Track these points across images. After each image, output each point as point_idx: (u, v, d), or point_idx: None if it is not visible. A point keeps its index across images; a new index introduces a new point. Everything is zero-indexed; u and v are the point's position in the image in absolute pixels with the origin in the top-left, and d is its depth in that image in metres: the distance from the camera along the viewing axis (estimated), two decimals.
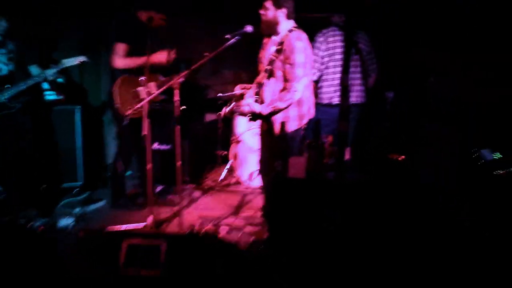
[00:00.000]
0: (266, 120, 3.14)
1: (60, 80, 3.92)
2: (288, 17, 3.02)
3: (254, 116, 3.13)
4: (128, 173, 4.23)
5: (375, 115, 3.62)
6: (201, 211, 4.04)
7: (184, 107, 4.17)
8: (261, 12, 3.04)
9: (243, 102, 3.18)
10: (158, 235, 2.88)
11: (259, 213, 3.76)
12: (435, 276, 2.17)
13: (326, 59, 3.72)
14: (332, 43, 3.71)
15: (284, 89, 3.01)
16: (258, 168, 3.46)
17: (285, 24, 3.04)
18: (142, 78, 3.53)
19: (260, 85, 3.12)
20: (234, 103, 3.46)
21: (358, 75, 3.72)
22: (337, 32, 3.72)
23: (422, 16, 3.62)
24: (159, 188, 4.26)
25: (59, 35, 4.39)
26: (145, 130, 3.19)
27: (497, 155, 2.93)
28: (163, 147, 4.19)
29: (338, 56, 3.71)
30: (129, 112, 3.20)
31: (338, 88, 3.64)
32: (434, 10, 3.60)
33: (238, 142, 4.62)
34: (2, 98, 3.46)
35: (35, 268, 2.54)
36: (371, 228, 2.27)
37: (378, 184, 2.40)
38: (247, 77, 4.66)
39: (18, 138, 3.68)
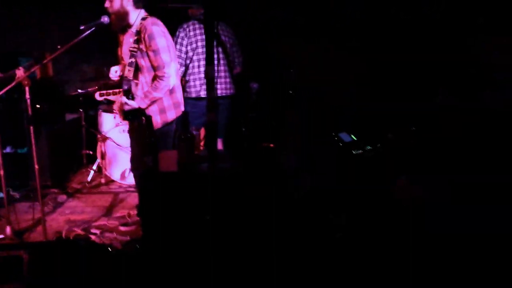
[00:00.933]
0: (142, 114, 3.03)
1: None
2: (136, 6, 2.96)
3: (131, 113, 2.99)
4: None
5: (242, 106, 3.75)
6: (68, 216, 3.78)
7: (38, 105, 3.85)
8: (107, 5, 2.94)
9: (117, 100, 3.03)
10: (17, 246, 2.61)
11: (134, 212, 3.65)
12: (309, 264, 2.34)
13: (190, 53, 3.73)
14: (193, 37, 3.73)
15: (154, 77, 2.95)
16: (130, 165, 3.34)
17: (136, 13, 2.98)
18: None
19: (128, 81, 3.01)
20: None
21: (223, 68, 3.81)
22: (197, 25, 3.75)
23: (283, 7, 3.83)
24: (16, 195, 3.87)
25: None
26: None
27: (353, 137, 3.28)
28: (19, 150, 3.80)
29: (201, 50, 3.74)
30: None
31: (204, 81, 3.68)
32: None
33: (105, 140, 4.40)
34: None
35: None
36: (244, 215, 2.36)
37: (248, 172, 2.51)
38: (108, 72, 4.45)
39: None
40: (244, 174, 2.44)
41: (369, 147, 3.14)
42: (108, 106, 4.43)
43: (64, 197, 4.19)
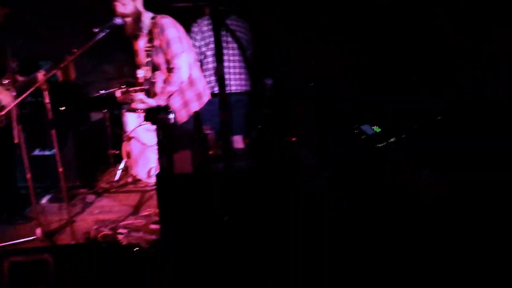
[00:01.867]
0: (165, 111, 3.03)
1: None
2: (146, 7, 2.97)
3: (151, 112, 3.00)
4: None
5: (257, 102, 3.68)
6: (96, 216, 3.84)
7: (63, 108, 3.93)
8: (121, 10, 2.93)
9: (135, 96, 3.05)
10: (43, 249, 2.68)
11: None
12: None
13: (203, 48, 3.69)
14: (207, 32, 3.68)
15: (168, 70, 2.94)
16: (157, 164, 3.35)
17: (146, 15, 2.99)
18: (5, 81, 3.22)
19: (148, 81, 3.01)
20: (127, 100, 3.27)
21: (238, 64, 3.75)
22: (211, 21, 3.70)
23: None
24: (46, 197, 3.97)
25: None
26: (16, 137, 2.93)
27: (377, 129, 3.16)
28: (46, 152, 3.90)
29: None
30: None
31: None
32: None
33: (130, 139, 4.45)
34: None
35: None
36: (262, 214, 2.32)
37: (266, 170, 2.46)
38: (129, 71, 4.49)
39: None
40: (260, 172, 2.40)
41: (393, 139, 3.02)
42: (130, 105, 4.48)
43: (92, 197, 4.28)
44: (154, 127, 3.22)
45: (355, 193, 2.53)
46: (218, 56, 2.20)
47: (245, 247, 2.29)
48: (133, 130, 4.44)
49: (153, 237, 3.37)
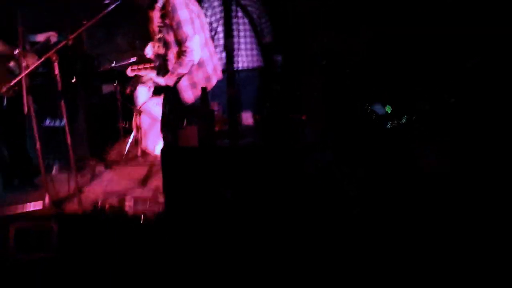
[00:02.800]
0: (172, 90, 3.03)
1: None
2: None
3: (159, 90, 2.99)
4: None
5: (267, 79, 3.64)
6: (104, 186, 3.90)
7: (74, 79, 3.95)
8: None
9: (145, 76, 3.04)
10: (49, 217, 2.74)
11: None
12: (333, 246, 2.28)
13: (214, 24, 3.64)
14: (218, 7, 3.62)
15: (179, 52, 2.92)
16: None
17: None
18: (17, 51, 3.23)
19: (159, 57, 3.00)
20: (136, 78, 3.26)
21: (249, 39, 3.70)
22: None
23: None
24: (56, 166, 4.04)
25: None
26: (26, 108, 2.97)
27: (388, 109, 3.12)
28: (57, 123, 3.94)
29: None
30: (4, 90, 2.95)
31: None
32: None
33: (140, 112, 4.47)
34: None
35: None
36: (267, 192, 2.33)
37: (267, 146, 2.45)
38: (142, 44, 4.46)
39: None
40: (264, 149, 2.39)
41: (404, 120, 2.98)
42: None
43: (101, 168, 4.33)
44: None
45: (363, 171, 2.51)
46: (227, 32, 2.17)
47: (247, 223, 2.31)
48: (144, 103, 4.46)
49: (160, 209, 3.43)
